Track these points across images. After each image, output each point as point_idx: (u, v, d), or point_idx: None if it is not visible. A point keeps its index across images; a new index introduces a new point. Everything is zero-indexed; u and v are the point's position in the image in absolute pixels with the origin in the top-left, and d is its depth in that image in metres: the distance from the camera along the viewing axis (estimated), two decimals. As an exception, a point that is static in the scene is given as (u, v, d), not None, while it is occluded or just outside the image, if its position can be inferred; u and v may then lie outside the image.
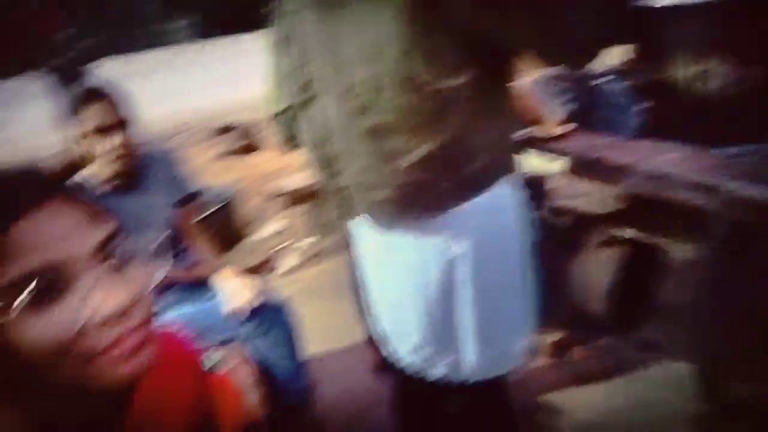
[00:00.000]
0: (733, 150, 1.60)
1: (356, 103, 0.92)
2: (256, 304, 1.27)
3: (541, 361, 1.54)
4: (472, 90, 0.87)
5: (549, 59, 1.02)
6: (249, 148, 3.94)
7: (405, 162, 0.91)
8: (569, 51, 0.91)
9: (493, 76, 0.91)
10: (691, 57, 1.75)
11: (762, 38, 1.67)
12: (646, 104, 1.79)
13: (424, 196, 0.93)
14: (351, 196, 1.00)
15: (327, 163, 1.02)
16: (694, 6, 1.73)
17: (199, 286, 1.34)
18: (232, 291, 1.30)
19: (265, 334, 1.29)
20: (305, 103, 1.02)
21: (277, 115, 1.11)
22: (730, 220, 1.14)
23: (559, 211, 1.57)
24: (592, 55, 0.94)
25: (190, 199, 1.41)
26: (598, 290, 1.49)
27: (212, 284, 1.34)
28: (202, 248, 1.42)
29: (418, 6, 0.84)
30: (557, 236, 1.53)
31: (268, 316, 1.29)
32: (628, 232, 1.47)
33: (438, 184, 0.91)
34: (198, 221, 1.45)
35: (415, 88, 0.87)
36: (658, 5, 1.77)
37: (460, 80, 0.86)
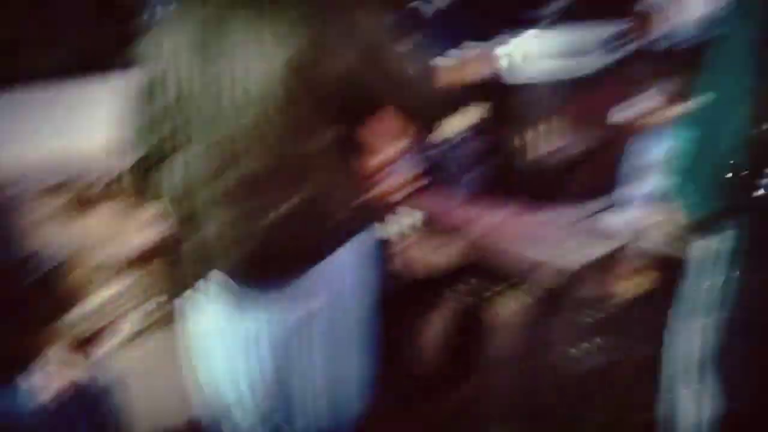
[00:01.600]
0: (568, 210, 1.76)
1: (227, 155, 0.92)
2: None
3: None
4: (334, 149, 0.91)
5: (411, 119, 1.08)
6: (88, 203, 3.66)
7: (268, 219, 0.91)
8: (429, 111, 0.99)
9: (354, 137, 0.96)
10: (533, 121, 1.90)
11: (596, 105, 1.88)
12: (489, 164, 1.91)
13: (283, 254, 0.94)
14: (210, 253, 0.98)
15: (187, 218, 0.99)
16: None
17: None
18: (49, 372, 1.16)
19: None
20: (169, 153, 0.99)
21: (132, 165, 1.05)
22: (553, 281, 1.24)
23: (404, 269, 1.61)
24: (446, 115, 1.01)
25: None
26: (431, 349, 1.53)
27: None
28: None
29: (299, 64, 0.85)
30: (401, 294, 1.57)
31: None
32: (467, 290, 1.54)
33: (297, 241, 0.93)
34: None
35: (285, 143, 0.89)
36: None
37: (326, 139, 0.89)
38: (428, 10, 3.56)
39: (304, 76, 0.88)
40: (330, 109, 0.93)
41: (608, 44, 1.99)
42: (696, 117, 1.07)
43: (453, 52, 2.82)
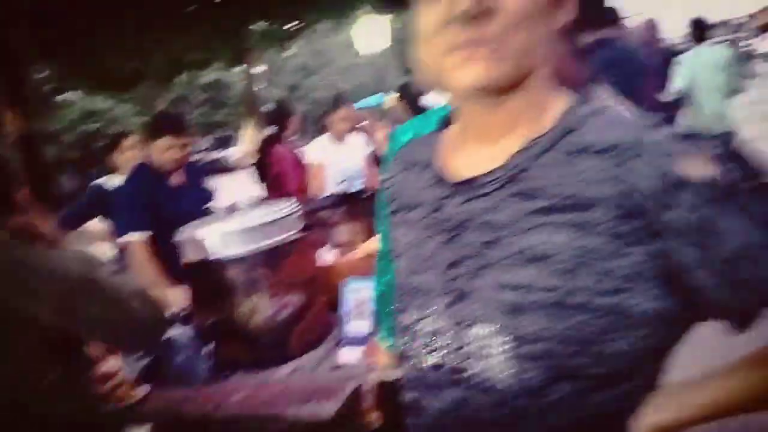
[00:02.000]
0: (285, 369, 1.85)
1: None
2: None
3: None
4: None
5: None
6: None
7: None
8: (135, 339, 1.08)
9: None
10: (240, 295, 1.97)
11: (300, 263, 2.05)
12: (212, 345, 1.91)
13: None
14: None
15: None
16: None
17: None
18: None
19: None
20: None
21: None
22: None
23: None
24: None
25: None
26: None
27: None
28: None
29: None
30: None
31: None
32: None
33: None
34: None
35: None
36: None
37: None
38: (113, 190, 3.51)
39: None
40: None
41: (293, 212, 2.24)
42: (384, 261, 1.26)
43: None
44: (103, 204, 3.63)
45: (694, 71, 5.23)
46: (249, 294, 2.02)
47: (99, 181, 3.89)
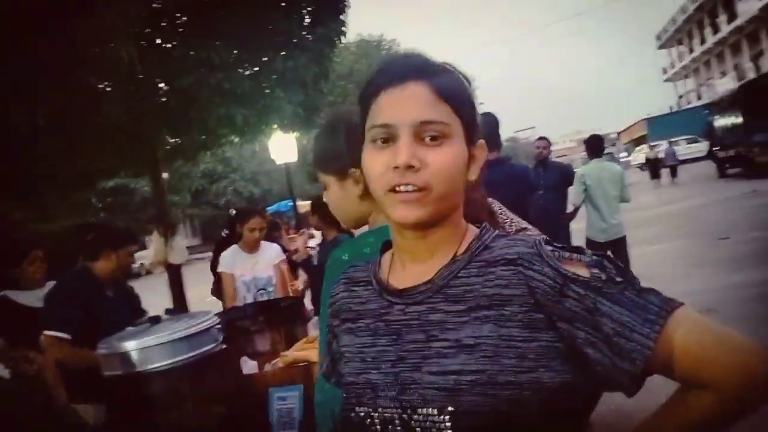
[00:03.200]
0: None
1: None
2: None
3: None
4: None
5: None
6: None
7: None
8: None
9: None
10: (161, 410, 1.96)
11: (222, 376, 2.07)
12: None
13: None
14: None
15: None
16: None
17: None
18: None
19: None
20: None
21: None
22: None
23: None
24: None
25: None
26: None
27: None
28: None
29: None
30: None
31: None
32: None
33: None
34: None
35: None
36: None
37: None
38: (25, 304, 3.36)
39: None
40: None
41: (213, 324, 2.28)
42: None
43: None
44: (8, 317, 3.47)
45: (595, 184, 5.80)
46: (171, 407, 2.01)
47: (6, 293, 3.71)
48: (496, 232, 0.99)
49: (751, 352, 0.81)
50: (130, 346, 2.05)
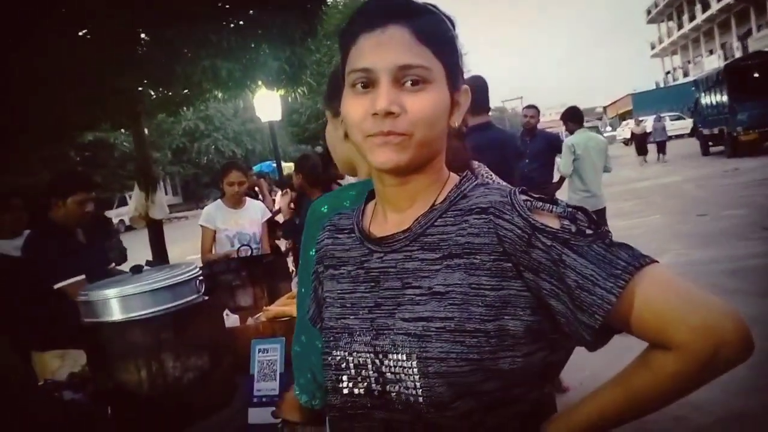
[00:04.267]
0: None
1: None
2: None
3: None
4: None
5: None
6: None
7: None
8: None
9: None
10: (141, 359, 1.95)
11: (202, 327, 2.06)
12: (109, 410, 1.87)
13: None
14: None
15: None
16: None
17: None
18: None
19: None
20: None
21: None
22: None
23: None
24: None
25: None
26: None
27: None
28: None
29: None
30: None
31: None
32: None
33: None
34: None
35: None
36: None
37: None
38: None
39: None
40: None
41: (195, 276, 2.26)
42: (302, 320, 1.35)
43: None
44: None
45: (584, 154, 5.82)
46: (152, 357, 2.00)
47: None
48: (477, 180, 0.98)
49: (720, 312, 0.78)
50: (111, 293, 2.03)
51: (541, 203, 0.88)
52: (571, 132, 6.07)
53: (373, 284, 0.95)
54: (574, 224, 0.84)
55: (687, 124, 28.57)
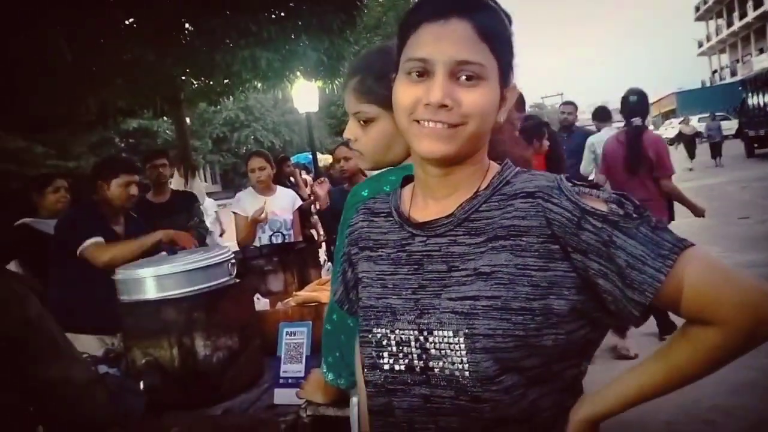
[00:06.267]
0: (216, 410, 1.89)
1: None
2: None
3: None
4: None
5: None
6: None
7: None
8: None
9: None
10: (174, 337, 2.01)
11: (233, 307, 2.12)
12: (149, 383, 1.93)
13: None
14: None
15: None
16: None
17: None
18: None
19: None
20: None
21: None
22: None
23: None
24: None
25: None
26: None
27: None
28: None
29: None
30: None
31: None
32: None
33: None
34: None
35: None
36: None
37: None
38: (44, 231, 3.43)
39: None
40: None
41: (228, 259, 2.32)
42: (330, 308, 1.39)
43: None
44: (29, 245, 3.56)
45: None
46: (184, 335, 2.06)
47: (26, 220, 3.78)
48: (518, 168, 1.00)
49: (760, 292, 0.84)
50: (146, 273, 2.09)
51: (588, 188, 0.92)
52: (598, 130, 5.97)
53: (416, 266, 0.97)
54: (621, 208, 0.88)
55: (732, 124, 27.71)
